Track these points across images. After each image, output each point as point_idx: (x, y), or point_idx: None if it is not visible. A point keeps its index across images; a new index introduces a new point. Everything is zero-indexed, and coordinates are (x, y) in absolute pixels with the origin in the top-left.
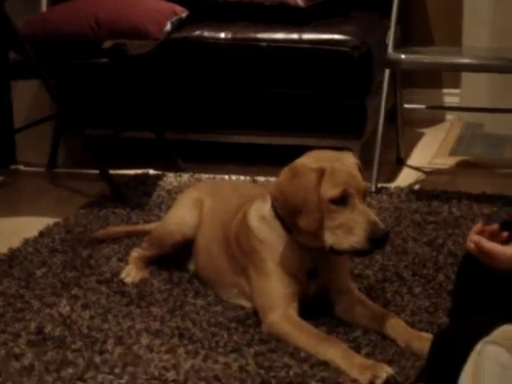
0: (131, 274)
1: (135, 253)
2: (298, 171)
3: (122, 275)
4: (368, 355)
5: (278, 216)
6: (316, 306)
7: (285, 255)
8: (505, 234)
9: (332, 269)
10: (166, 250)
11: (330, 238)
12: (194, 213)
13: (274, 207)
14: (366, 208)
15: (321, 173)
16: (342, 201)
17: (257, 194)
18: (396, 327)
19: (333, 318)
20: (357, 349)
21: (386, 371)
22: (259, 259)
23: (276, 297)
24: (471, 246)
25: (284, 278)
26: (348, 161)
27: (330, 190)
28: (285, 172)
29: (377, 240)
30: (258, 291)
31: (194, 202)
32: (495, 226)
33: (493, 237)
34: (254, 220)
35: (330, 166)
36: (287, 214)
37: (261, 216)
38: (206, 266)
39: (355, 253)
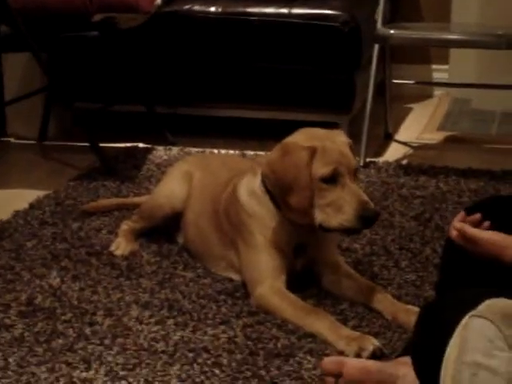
0: (121, 246)
1: (125, 225)
2: (290, 149)
3: (112, 248)
4: (355, 327)
5: (268, 191)
6: (304, 278)
7: (273, 229)
8: (487, 223)
9: (320, 244)
10: (156, 222)
11: (319, 216)
12: (183, 186)
13: (264, 182)
14: (357, 187)
15: (312, 151)
16: (333, 179)
17: (246, 167)
18: (383, 300)
19: (320, 290)
20: (344, 321)
21: (372, 343)
22: (248, 232)
23: (264, 269)
24: (454, 233)
25: (272, 252)
26: (339, 139)
27: (320, 169)
28: (276, 150)
29: (366, 219)
30: (246, 264)
31: (183, 175)
32: (477, 216)
33: (475, 226)
34: (243, 194)
35: (322, 144)
36: (278, 192)
37: (251, 190)
38: (194, 238)
39: (344, 231)
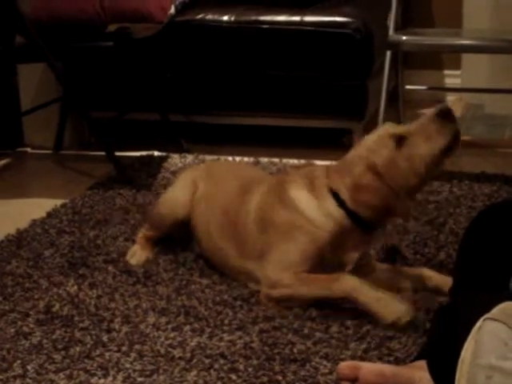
0: (136, 255)
1: (140, 233)
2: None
3: (127, 257)
4: (369, 331)
5: (348, 211)
6: None
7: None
8: None
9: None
10: (165, 231)
11: (422, 150)
12: (187, 194)
13: (343, 205)
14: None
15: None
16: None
17: (256, 175)
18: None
19: None
20: (359, 326)
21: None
22: (300, 233)
23: (294, 260)
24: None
25: (313, 257)
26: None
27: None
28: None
29: (446, 113)
30: (278, 249)
31: (188, 184)
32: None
33: None
34: (317, 216)
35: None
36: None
37: (326, 212)
38: (208, 250)
39: (452, 146)
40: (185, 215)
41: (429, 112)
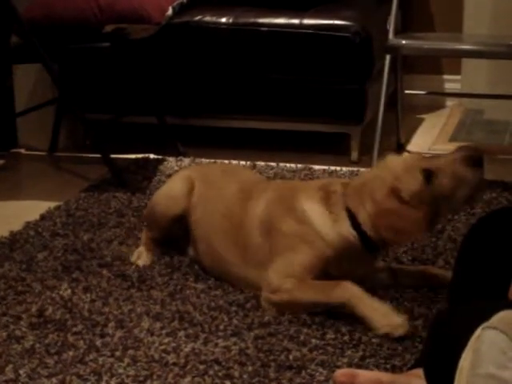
0: (142, 256)
1: (145, 233)
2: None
3: (133, 258)
4: (365, 338)
5: (362, 234)
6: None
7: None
8: None
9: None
10: (161, 227)
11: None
12: (183, 187)
13: (357, 228)
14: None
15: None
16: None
17: (255, 179)
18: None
19: None
20: (353, 332)
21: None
22: (309, 243)
23: (298, 267)
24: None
25: (318, 274)
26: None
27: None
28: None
29: (476, 161)
30: (282, 256)
31: (183, 180)
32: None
33: None
34: (329, 233)
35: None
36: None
37: (340, 232)
38: (206, 256)
39: (477, 189)
40: (180, 212)
41: (458, 151)
